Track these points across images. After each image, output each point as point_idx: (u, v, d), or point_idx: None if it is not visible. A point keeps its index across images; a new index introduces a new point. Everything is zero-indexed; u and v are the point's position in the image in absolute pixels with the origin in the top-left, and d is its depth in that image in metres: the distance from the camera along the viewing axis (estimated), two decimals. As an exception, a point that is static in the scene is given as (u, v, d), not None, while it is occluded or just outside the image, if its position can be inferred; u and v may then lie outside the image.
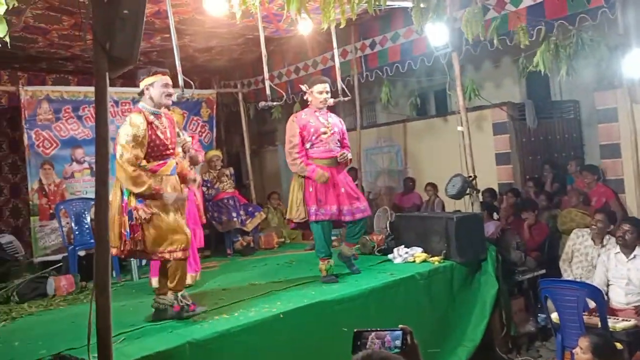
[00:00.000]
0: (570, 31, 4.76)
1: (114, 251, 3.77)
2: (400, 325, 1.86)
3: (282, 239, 7.43)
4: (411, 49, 6.26)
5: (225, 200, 6.85)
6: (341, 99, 5.77)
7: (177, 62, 4.60)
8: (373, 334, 1.86)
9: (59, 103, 6.72)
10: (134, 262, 5.78)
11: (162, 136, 3.85)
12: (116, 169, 3.67)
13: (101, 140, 2.21)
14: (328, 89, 4.92)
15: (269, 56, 5.60)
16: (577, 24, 4.75)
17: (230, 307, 4.12)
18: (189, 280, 4.86)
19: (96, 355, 2.23)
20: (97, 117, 2.23)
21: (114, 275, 5.70)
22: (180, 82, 4.61)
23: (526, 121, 7.55)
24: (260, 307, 4.01)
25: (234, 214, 6.76)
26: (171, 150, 3.94)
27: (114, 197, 3.77)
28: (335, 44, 5.85)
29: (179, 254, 3.83)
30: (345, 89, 5.84)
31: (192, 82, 4.72)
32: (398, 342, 1.83)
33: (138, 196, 3.74)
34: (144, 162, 3.76)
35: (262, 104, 5.23)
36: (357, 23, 6.53)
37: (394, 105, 8.40)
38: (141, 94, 3.90)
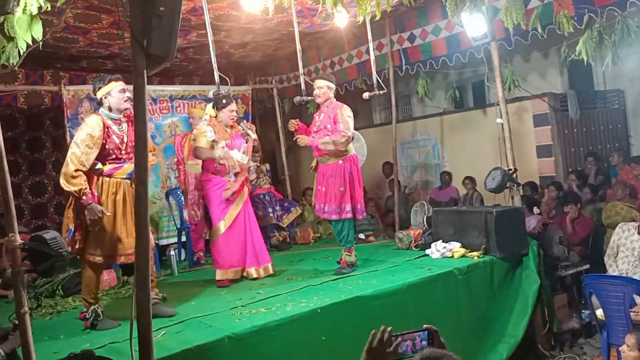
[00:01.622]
0: (615, 18, 4.57)
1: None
2: (425, 325, 1.84)
3: (318, 234, 7.44)
4: (458, 42, 6.13)
5: (262, 196, 6.89)
6: (377, 92, 5.72)
7: (213, 59, 4.62)
8: (399, 338, 1.84)
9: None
10: (173, 257, 5.88)
11: (117, 140, 3.96)
12: (62, 171, 3.84)
13: (140, 138, 2.22)
14: (320, 85, 5.00)
15: (304, 51, 5.59)
16: (627, 9, 4.56)
17: (267, 301, 4.15)
18: (255, 274, 5.05)
19: (137, 349, 2.26)
20: (135, 115, 2.25)
21: (155, 270, 5.80)
22: (216, 79, 4.63)
23: (568, 112, 7.34)
24: (297, 302, 4.02)
25: (270, 210, 6.80)
26: (127, 155, 4.01)
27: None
28: (370, 37, 5.79)
29: (99, 259, 3.93)
30: (381, 82, 5.78)
31: (227, 79, 4.74)
32: (424, 342, 1.82)
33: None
34: (99, 165, 3.89)
35: (297, 99, 5.22)
36: (392, 15, 6.44)
37: (431, 98, 8.28)
38: (100, 103, 4.01)
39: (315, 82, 5.07)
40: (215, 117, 5.02)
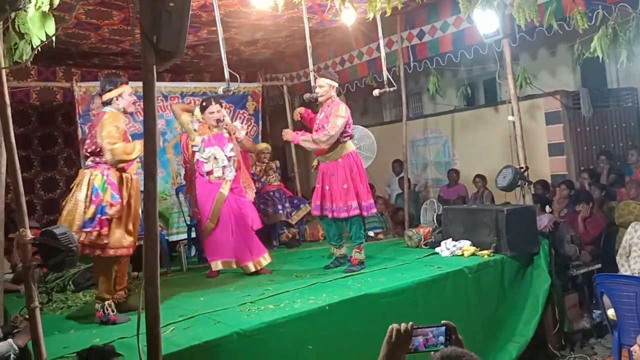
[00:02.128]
0: (629, 14, 4.52)
1: None
2: (443, 321, 1.82)
3: (328, 232, 7.42)
4: (463, 38, 6.09)
5: (271, 193, 6.90)
6: (387, 89, 5.70)
7: (223, 55, 4.63)
8: (419, 330, 1.82)
9: (111, 98, 6.88)
10: (183, 254, 5.91)
11: (130, 138, 4.13)
12: (110, 156, 3.92)
13: (149, 135, 2.23)
14: (322, 84, 5.02)
15: (314, 48, 5.57)
16: (639, 6, 4.50)
17: (276, 298, 4.15)
18: (251, 268, 5.15)
19: (146, 344, 2.27)
20: (145, 111, 2.26)
21: (164, 265, 5.83)
22: (226, 76, 4.64)
23: (581, 110, 7.27)
24: (306, 299, 4.02)
25: (280, 207, 6.81)
26: None
27: (77, 190, 4.00)
28: (380, 34, 5.76)
29: (124, 251, 4.05)
30: (391, 79, 5.75)
31: (237, 76, 4.75)
32: (442, 339, 1.80)
33: (115, 191, 3.98)
34: None
35: (307, 95, 5.21)
36: (403, 12, 6.40)
37: (442, 95, 8.24)
38: (107, 103, 4.13)
39: (317, 81, 5.08)
40: (203, 118, 5.30)
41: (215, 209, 5.16)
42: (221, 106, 5.29)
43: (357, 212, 4.93)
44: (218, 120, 5.19)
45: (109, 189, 3.97)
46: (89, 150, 4.12)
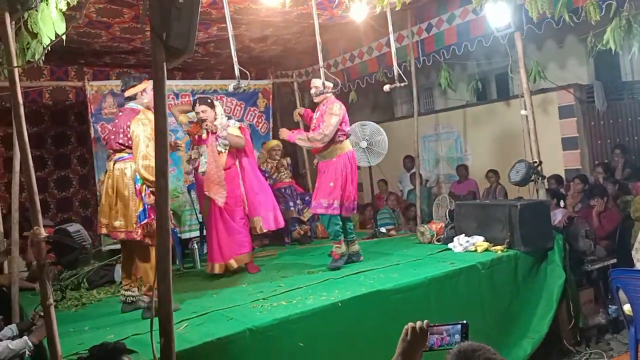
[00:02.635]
0: (643, 5, 4.45)
1: (130, 235, 4.02)
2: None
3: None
4: (468, 30, 6.03)
5: (283, 190, 6.90)
6: (397, 85, 5.67)
7: (233, 52, 4.63)
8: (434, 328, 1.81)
9: (123, 97, 6.90)
10: (195, 251, 5.93)
11: None
12: (144, 165, 3.90)
13: (160, 133, 2.24)
14: (316, 84, 5.11)
15: (323, 44, 5.55)
16: (653, -3, 4.44)
17: (288, 294, 4.15)
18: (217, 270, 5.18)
19: (159, 340, 2.28)
20: (155, 109, 2.27)
21: (177, 262, 5.86)
22: (237, 73, 4.64)
23: (595, 104, 7.19)
24: (318, 295, 4.01)
25: (291, 204, 6.82)
26: None
27: (116, 184, 4.03)
28: (391, 29, 5.72)
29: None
30: (402, 75, 5.72)
31: (247, 73, 4.76)
32: (457, 337, 1.79)
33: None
34: None
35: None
36: (413, 6, 6.35)
37: (454, 90, 8.19)
38: (131, 98, 4.17)
39: (312, 82, 5.17)
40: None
41: (204, 209, 5.28)
42: (212, 106, 5.29)
43: (336, 211, 5.00)
44: (202, 120, 5.24)
45: None
46: (122, 143, 4.11)
